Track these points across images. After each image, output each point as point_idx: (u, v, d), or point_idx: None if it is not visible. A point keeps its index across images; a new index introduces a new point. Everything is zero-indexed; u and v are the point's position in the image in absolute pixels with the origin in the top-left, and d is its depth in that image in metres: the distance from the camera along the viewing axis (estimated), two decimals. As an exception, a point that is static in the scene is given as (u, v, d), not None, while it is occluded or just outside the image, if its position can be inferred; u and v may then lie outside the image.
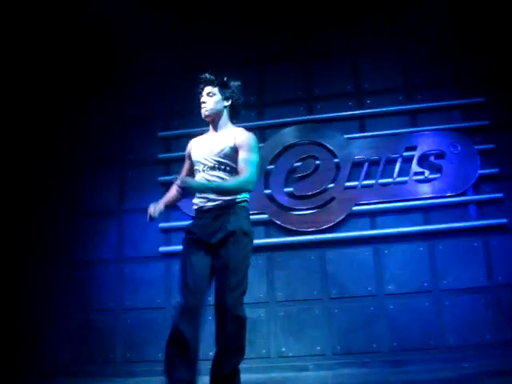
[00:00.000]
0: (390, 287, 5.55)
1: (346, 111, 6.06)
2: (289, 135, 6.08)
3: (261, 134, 6.18)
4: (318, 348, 5.51)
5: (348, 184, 5.81)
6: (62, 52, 6.47)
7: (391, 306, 5.49)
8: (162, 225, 6.10)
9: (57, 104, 6.56)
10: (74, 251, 6.25)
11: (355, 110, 6.06)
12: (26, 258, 6.24)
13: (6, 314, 6.02)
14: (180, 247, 5.83)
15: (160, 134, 6.40)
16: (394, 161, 5.77)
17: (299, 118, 6.13)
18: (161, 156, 6.33)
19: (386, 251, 5.65)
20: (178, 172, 3.95)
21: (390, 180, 5.73)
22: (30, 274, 6.20)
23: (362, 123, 6.04)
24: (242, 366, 5.42)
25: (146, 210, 6.05)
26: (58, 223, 6.37)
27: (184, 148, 6.15)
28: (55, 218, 6.39)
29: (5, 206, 6.33)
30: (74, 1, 5.88)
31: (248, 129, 6.01)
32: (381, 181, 5.74)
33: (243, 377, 5.22)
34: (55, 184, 6.48)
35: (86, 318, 5.92)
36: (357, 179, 5.79)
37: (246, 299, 5.66)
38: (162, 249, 6.04)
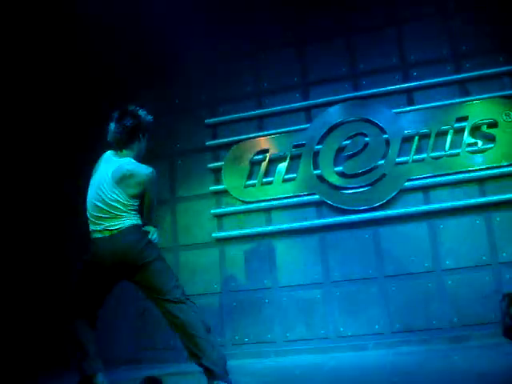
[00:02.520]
0: (447, 262, 5.45)
1: (393, 85, 5.91)
2: (335, 114, 6.00)
3: (307, 114, 6.15)
4: (377, 327, 5.47)
5: (399, 159, 5.69)
6: (109, 45, 6.55)
7: (449, 282, 5.39)
8: (213, 211, 6.15)
9: (105, 95, 6.65)
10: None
11: (402, 84, 5.91)
12: (76, 246, 6.41)
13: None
14: (233, 232, 5.96)
15: (206, 121, 6.41)
16: (445, 133, 5.61)
17: (345, 96, 6.03)
18: (208, 143, 6.35)
19: (442, 226, 5.53)
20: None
21: (442, 153, 5.58)
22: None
23: (409, 96, 5.89)
24: (302, 347, 5.52)
25: (197, 197, 6.25)
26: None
27: (231, 134, 6.26)
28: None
29: (50, 194, 6.60)
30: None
31: (293, 110, 6.10)
32: (432, 154, 5.61)
33: (303, 358, 5.28)
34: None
35: (145, 305, 6.00)
36: (407, 154, 5.67)
37: (301, 280, 5.72)
38: (215, 234, 6.09)
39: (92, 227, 3.75)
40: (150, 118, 3.95)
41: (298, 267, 5.84)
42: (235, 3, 6.31)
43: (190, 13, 6.21)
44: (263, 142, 6.14)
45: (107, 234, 3.68)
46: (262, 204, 6.03)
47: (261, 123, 6.27)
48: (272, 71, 6.34)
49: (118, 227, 3.67)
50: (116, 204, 3.68)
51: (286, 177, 5.98)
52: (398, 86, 5.91)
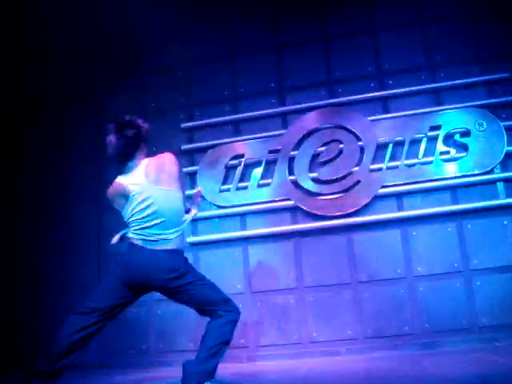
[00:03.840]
0: (419, 269, 5.51)
1: (368, 93, 6.00)
2: (311, 120, 6.04)
3: (283, 120, 6.18)
4: (350, 332, 5.50)
5: (373, 166, 5.76)
6: (83, 48, 6.53)
7: (421, 288, 5.45)
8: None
9: (77, 100, 6.63)
10: (104, 245, 6.30)
11: (377, 92, 5.99)
12: (52, 250, 6.39)
13: (33, 306, 6.19)
14: (207, 236, 5.94)
15: (183, 125, 6.40)
16: (419, 141, 5.69)
17: (321, 103, 6.09)
18: (184, 147, 6.33)
19: (414, 233, 5.60)
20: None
21: (416, 160, 5.66)
22: (57, 266, 6.33)
23: (384, 104, 5.97)
24: (274, 352, 5.51)
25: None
26: (84, 219, 6.47)
27: (207, 138, 6.25)
28: (82, 215, 6.50)
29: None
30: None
31: (269, 115, 6.13)
32: (406, 162, 5.68)
33: (275, 363, 5.28)
34: (80, 179, 6.57)
35: (118, 310, 5.96)
36: (382, 161, 5.74)
37: (276, 286, 5.74)
38: (190, 239, 6.07)
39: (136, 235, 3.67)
40: (147, 125, 3.89)
41: (272, 272, 5.85)
42: (212, 7, 6.35)
43: (167, 16, 6.23)
44: (239, 147, 6.15)
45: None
46: (237, 209, 6.03)
47: (237, 128, 6.28)
48: (249, 76, 6.37)
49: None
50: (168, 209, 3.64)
51: (261, 182, 6.00)
52: (373, 94, 5.99)
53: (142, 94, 6.65)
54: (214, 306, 3.64)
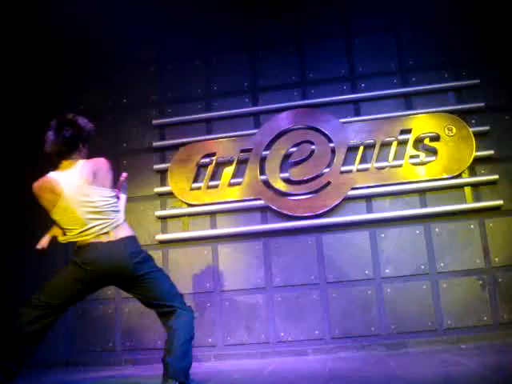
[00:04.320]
0: (387, 270, 5.57)
1: (341, 95, 6.05)
2: (283, 120, 6.06)
3: (255, 119, 6.19)
4: (317, 332, 5.54)
5: (344, 168, 5.80)
6: (49, 41, 6.50)
7: (389, 290, 5.51)
8: (158, 213, 6.10)
9: (46, 96, 6.55)
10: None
11: (349, 94, 6.04)
12: (21, 246, 6.27)
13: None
14: (177, 234, 5.92)
15: (154, 121, 6.37)
16: (389, 144, 5.76)
17: (293, 103, 6.11)
18: (155, 144, 6.30)
19: (383, 235, 5.66)
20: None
21: (386, 163, 5.72)
22: (24, 262, 6.22)
23: (356, 107, 6.02)
24: (242, 351, 5.52)
25: (141, 198, 6.18)
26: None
27: (178, 135, 6.23)
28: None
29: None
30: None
31: (242, 115, 6.13)
32: (376, 164, 5.73)
33: (243, 362, 5.29)
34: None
35: (85, 306, 5.91)
36: (352, 163, 5.78)
37: (245, 285, 5.74)
38: (159, 237, 6.04)
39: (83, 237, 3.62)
40: (90, 126, 3.81)
41: (241, 271, 5.86)
42: (185, 4, 6.35)
43: (140, 11, 6.22)
44: (211, 146, 6.14)
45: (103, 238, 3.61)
46: (207, 207, 6.01)
47: (209, 126, 6.27)
48: (222, 74, 6.36)
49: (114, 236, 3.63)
50: (104, 204, 3.63)
51: (232, 181, 5.99)
52: (345, 97, 6.04)
53: (114, 90, 6.59)
54: (174, 302, 3.69)
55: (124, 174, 4.16)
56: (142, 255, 3.65)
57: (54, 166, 3.70)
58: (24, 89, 6.64)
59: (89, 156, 3.83)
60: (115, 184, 3.89)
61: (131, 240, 3.67)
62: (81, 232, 3.58)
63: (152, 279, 3.69)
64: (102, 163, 3.70)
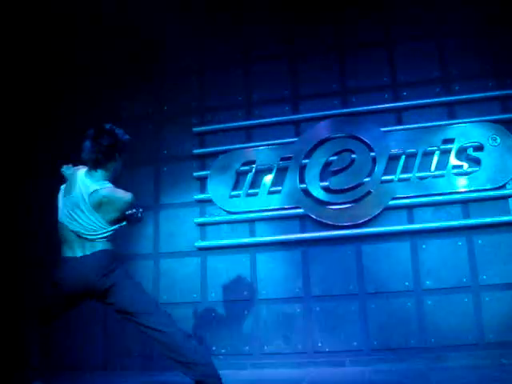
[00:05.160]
0: (427, 282, 5.46)
1: (382, 104, 5.97)
2: (324, 129, 6.02)
3: (295, 127, 6.16)
4: (355, 343, 5.46)
5: (384, 178, 5.72)
6: (94, 49, 6.58)
7: (429, 302, 5.40)
8: (197, 220, 6.12)
9: (88, 102, 6.64)
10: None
11: (391, 103, 5.97)
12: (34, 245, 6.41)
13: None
14: (216, 242, 5.93)
15: (195, 129, 6.40)
16: (432, 154, 5.65)
17: (334, 112, 6.07)
18: (195, 151, 6.33)
19: (424, 246, 5.55)
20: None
21: (428, 173, 5.62)
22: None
23: (398, 116, 5.94)
24: (279, 360, 5.49)
25: (181, 205, 6.21)
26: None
27: (218, 143, 6.25)
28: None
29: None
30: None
31: (282, 123, 6.12)
32: (418, 174, 5.64)
33: (279, 372, 5.26)
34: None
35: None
36: (393, 173, 5.70)
37: (282, 294, 5.71)
38: (198, 243, 6.06)
39: (64, 247, 3.70)
40: (126, 137, 3.83)
41: (279, 280, 5.82)
42: (226, 13, 6.37)
43: (181, 19, 6.26)
44: (250, 153, 6.14)
45: (79, 254, 3.64)
46: (246, 215, 6.01)
47: (249, 134, 6.27)
48: (262, 83, 6.36)
49: (90, 250, 3.63)
50: (92, 228, 3.63)
51: (272, 189, 5.97)
52: (387, 105, 5.96)
53: (155, 98, 6.65)
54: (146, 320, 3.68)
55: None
56: (107, 268, 3.63)
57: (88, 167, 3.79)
58: (65, 97, 6.75)
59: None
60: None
61: (100, 254, 3.66)
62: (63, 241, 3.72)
63: (119, 291, 3.66)
64: (120, 202, 3.68)
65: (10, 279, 6.24)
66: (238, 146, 6.20)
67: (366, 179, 5.76)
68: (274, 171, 6.00)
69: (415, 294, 5.47)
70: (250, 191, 6.02)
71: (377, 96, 6.02)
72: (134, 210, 3.68)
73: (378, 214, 5.68)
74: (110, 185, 3.71)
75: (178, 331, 3.68)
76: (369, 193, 5.72)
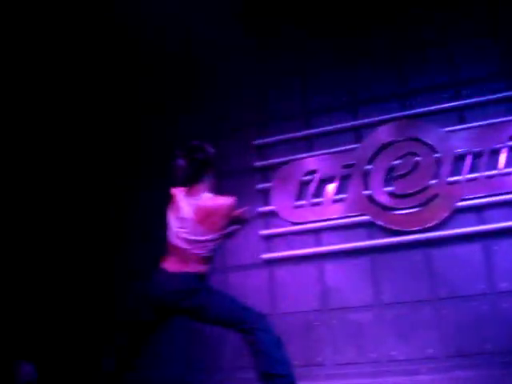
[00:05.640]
0: (503, 285, 5.27)
1: (443, 103, 5.83)
2: (384, 133, 5.94)
3: (356, 133, 6.10)
4: (430, 351, 5.32)
5: (451, 179, 5.58)
6: (158, 68, 6.71)
7: (504, 305, 5.22)
8: (262, 232, 6.13)
9: (146, 120, 6.76)
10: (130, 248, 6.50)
11: (452, 102, 5.81)
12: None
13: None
14: (282, 253, 5.91)
15: (254, 142, 6.43)
16: (499, 151, 5.48)
17: (394, 115, 5.97)
18: (256, 164, 6.35)
19: (496, 247, 5.37)
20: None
21: (496, 172, 5.44)
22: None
23: (460, 114, 5.78)
24: (352, 370, 5.40)
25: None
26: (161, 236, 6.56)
27: (279, 154, 6.25)
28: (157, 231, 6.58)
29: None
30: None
31: (342, 130, 6.06)
32: (486, 173, 5.47)
33: (353, 382, 5.18)
34: (150, 199, 6.68)
35: (196, 326, 5.99)
36: (460, 173, 5.55)
37: (352, 302, 5.63)
38: (265, 256, 6.06)
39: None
40: (213, 151, 3.89)
41: (349, 289, 5.76)
42: (280, 21, 6.37)
43: (239, 32, 6.30)
44: (312, 163, 6.11)
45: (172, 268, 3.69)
46: (312, 225, 5.98)
47: (309, 143, 6.25)
48: (320, 91, 6.32)
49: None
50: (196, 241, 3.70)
51: (336, 197, 5.93)
52: (448, 105, 5.81)
53: (214, 113, 6.71)
54: (239, 326, 3.65)
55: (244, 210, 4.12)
56: (186, 292, 3.59)
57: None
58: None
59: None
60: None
61: (186, 276, 3.64)
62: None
63: (205, 309, 3.62)
64: (222, 208, 3.69)
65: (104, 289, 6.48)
66: (298, 155, 6.19)
67: (432, 182, 5.63)
68: (337, 179, 5.95)
69: (490, 297, 5.29)
70: (314, 201, 6.00)
71: (437, 96, 5.88)
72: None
73: (447, 216, 5.54)
74: (210, 195, 3.77)
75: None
76: (436, 195, 5.60)
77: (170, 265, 3.66)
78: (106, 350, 3.91)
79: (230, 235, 4.00)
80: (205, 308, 3.61)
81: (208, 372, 6.00)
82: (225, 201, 3.69)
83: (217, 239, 3.69)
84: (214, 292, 3.70)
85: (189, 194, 3.75)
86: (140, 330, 3.79)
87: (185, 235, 3.62)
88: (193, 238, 3.61)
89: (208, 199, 3.69)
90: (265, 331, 3.64)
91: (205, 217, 3.62)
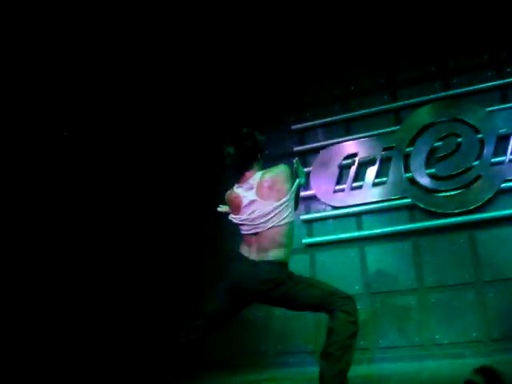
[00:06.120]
0: (550, 266, 5.17)
1: (485, 83, 5.69)
2: (425, 114, 5.84)
3: (395, 116, 6.02)
4: (474, 334, 5.25)
5: (494, 160, 5.45)
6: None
7: (552, 287, 5.12)
8: (303, 217, 6.12)
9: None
10: (221, 247, 6.43)
11: (495, 81, 5.67)
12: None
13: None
14: (323, 238, 5.90)
15: (293, 126, 6.41)
16: (543, 130, 5.35)
17: (435, 96, 5.86)
18: (296, 149, 6.34)
19: (543, 228, 5.26)
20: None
21: (540, 151, 5.32)
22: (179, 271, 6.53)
23: (503, 93, 5.63)
24: (395, 354, 5.37)
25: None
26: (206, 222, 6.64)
27: (318, 138, 6.22)
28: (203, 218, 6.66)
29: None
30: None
31: (381, 112, 5.98)
32: (530, 153, 5.35)
33: (397, 366, 5.15)
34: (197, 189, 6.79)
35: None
36: (503, 154, 5.43)
37: (395, 286, 5.58)
38: (305, 240, 6.06)
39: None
40: (262, 137, 3.91)
41: (391, 272, 5.72)
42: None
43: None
44: (351, 146, 6.07)
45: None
46: (352, 209, 5.95)
47: (348, 127, 6.20)
48: (358, 73, 6.26)
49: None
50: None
51: (376, 180, 5.87)
52: (490, 84, 5.67)
53: (252, 99, 6.73)
54: (325, 309, 3.59)
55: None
56: (275, 282, 3.55)
57: (236, 179, 3.83)
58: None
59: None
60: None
61: (270, 265, 3.65)
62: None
63: (292, 298, 3.64)
64: (279, 175, 3.66)
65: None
66: (338, 139, 6.15)
67: (475, 163, 5.53)
68: (378, 162, 5.89)
69: (537, 279, 5.19)
70: (354, 184, 5.96)
71: (479, 75, 5.75)
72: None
73: (491, 198, 5.43)
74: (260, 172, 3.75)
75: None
76: (479, 177, 5.49)
77: (252, 254, 3.67)
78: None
79: (298, 193, 3.96)
80: (293, 297, 3.59)
81: (252, 357, 6.05)
82: (278, 167, 3.69)
83: (288, 202, 3.63)
84: (299, 279, 3.70)
85: (241, 182, 3.76)
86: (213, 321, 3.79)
87: (257, 219, 3.59)
88: (266, 215, 3.58)
89: (262, 174, 3.67)
90: (347, 313, 3.52)
91: (268, 190, 3.59)
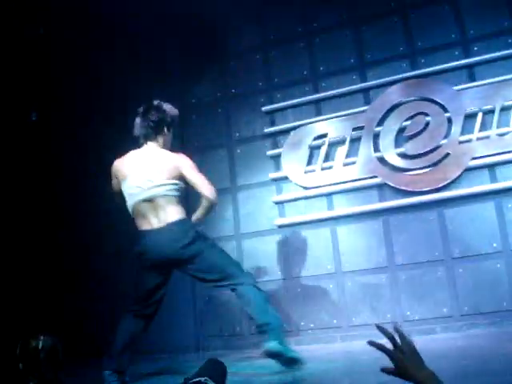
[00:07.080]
0: (517, 242, 5.27)
1: (453, 61, 5.73)
2: (394, 94, 5.88)
3: (365, 96, 6.04)
4: (445, 310, 5.35)
5: (462, 138, 5.52)
6: (157, 30, 6.63)
7: (520, 262, 5.23)
8: (274, 198, 6.14)
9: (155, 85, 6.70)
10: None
11: (462, 60, 5.71)
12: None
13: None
14: (294, 218, 5.93)
15: (264, 108, 6.40)
16: (510, 108, 5.41)
17: (403, 75, 5.89)
18: (266, 130, 6.33)
19: (510, 205, 5.34)
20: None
21: (508, 129, 5.37)
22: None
23: (470, 72, 5.68)
24: (368, 331, 5.44)
25: (258, 184, 6.24)
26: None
27: (289, 119, 6.22)
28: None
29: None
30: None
31: (351, 93, 6.00)
32: (497, 131, 5.41)
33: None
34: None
35: (211, 293, 6.07)
36: (471, 132, 5.49)
37: (366, 265, 5.66)
38: (277, 221, 6.08)
39: (140, 221, 3.87)
40: (174, 112, 4.05)
41: (362, 251, 5.78)
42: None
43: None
44: (322, 127, 6.08)
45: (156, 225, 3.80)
46: (323, 189, 5.98)
47: (318, 107, 6.20)
48: (327, 54, 6.25)
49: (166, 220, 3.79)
50: (165, 194, 3.80)
51: (346, 161, 5.90)
52: (457, 63, 5.71)
53: (222, 81, 6.68)
54: (232, 280, 3.85)
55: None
56: (188, 238, 3.75)
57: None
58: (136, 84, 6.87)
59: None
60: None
61: (177, 224, 3.78)
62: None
63: (201, 259, 3.78)
64: (184, 160, 3.94)
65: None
66: (308, 120, 6.16)
67: (443, 141, 5.58)
68: (347, 142, 5.92)
69: (504, 255, 5.28)
70: (325, 165, 5.98)
71: (446, 54, 5.78)
72: None
73: (459, 176, 5.50)
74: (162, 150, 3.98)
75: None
76: (447, 155, 5.55)
77: (153, 223, 3.77)
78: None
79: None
80: (202, 257, 3.78)
81: (224, 338, 6.09)
82: (181, 155, 3.94)
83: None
84: (211, 243, 3.93)
85: (144, 151, 3.93)
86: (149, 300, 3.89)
87: (152, 183, 3.77)
88: (160, 182, 3.77)
89: (163, 153, 3.91)
90: (255, 286, 3.92)
91: (164, 167, 3.82)
